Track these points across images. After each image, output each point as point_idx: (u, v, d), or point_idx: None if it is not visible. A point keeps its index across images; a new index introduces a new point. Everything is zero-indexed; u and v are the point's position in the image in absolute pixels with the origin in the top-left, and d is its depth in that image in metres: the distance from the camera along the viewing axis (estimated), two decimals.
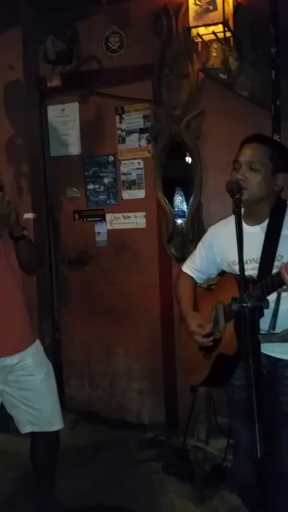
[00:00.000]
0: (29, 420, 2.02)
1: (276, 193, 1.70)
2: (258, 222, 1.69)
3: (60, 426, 2.09)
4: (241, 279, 1.34)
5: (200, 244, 1.94)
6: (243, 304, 1.32)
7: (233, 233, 1.55)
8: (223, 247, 1.80)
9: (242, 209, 1.72)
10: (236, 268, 1.62)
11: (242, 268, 1.36)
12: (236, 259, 1.49)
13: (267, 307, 1.33)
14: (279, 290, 1.45)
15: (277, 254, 1.59)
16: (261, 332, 1.43)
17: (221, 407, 2.61)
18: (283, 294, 1.46)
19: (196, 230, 2.76)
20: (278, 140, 2.51)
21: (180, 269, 2.02)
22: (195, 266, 1.93)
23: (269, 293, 1.46)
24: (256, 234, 1.65)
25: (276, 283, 1.43)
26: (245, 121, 2.68)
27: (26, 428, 2.05)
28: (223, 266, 1.84)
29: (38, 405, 2.00)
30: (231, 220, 1.80)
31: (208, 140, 2.78)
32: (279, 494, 1.63)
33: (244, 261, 1.40)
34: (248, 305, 1.32)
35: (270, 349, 1.64)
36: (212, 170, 2.78)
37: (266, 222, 1.67)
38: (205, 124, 2.76)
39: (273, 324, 1.25)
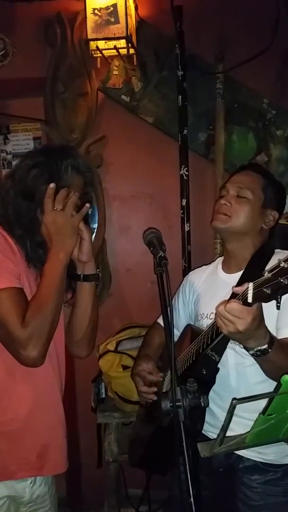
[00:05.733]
0: None
1: (262, 234, 1.43)
2: (238, 268, 1.41)
3: None
4: (173, 373, 1.01)
5: (175, 296, 1.63)
6: (177, 404, 1.01)
7: (212, 282, 1.45)
8: (199, 295, 1.52)
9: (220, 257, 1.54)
10: (203, 322, 1.41)
11: (173, 357, 1.03)
12: (206, 312, 1.31)
13: (207, 405, 1.02)
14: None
15: None
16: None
17: (132, 477, 2.31)
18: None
19: (100, 272, 2.39)
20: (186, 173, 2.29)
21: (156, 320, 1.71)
22: None
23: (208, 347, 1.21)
24: (233, 284, 1.29)
25: (215, 332, 1.19)
26: (150, 150, 2.44)
27: None
28: (192, 318, 1.54)
29: None
30: (210, 267, 1.57)
31: (111, 169, 2.46)
32: None
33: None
34: (184, 404, 1.01)
35: None
36: (117, 203, 2.45)
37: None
38: (107, 151, 2.44)
39: (220, 438, 0.94)
